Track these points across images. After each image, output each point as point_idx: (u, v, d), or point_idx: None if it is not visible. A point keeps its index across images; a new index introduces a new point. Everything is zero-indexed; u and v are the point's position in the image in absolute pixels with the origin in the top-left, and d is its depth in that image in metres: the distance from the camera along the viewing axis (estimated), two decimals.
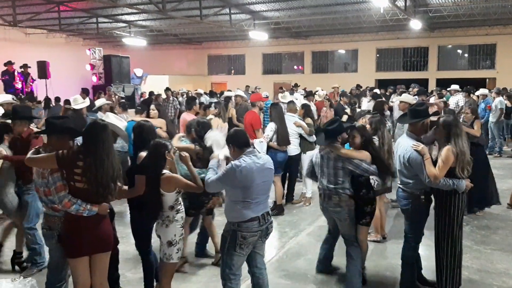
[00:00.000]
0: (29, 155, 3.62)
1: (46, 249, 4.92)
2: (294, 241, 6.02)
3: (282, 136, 6.96)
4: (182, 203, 3.94)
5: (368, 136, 4.62)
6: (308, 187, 7.64)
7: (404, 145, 4.33)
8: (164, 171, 3.80)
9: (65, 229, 3.56)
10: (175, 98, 14.76)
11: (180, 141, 4.98)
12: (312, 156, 4.86)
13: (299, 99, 10.32)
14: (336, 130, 4.37)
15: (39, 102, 14.23)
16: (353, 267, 4.50)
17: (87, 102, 8.02)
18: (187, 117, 7.56)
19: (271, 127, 7.03)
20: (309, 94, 12.01)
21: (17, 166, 4.77)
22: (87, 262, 3.54)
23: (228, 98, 10.69)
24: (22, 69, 15.40)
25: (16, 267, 5.14)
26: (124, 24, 21.41)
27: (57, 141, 3.70)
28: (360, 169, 4.30)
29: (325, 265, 5.03)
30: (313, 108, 10.69)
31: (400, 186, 4.43)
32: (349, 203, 4.39)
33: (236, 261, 3.77)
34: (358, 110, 9.71)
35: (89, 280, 3.56)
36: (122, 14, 19.46)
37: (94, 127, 3.53)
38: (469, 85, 13.90)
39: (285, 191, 7.59)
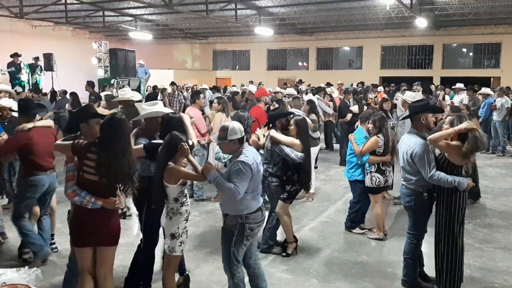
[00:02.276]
0: (58, 141, 3.78)
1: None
2: (297, 235, 6.02)
3: None
4: (187, 196, 3.92)
5: (305, 128, 5.33)
6: (311, 183, 7.66)
7: (407, 142, 4.36)
8: (170, 163, 3.77)
9: (73, 217, 3.65)
10: (180, 93, 14.81)
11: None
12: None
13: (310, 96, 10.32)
14: (272, 116, 5.25)
15: (45, 94, 14.29)
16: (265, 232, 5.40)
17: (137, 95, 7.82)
18: (192, 111, 7.59)
19: None
20: (318, 90, 12.08)
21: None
22: (91, 253, 3.58)
23: (235, 93, 10.65)
24: (33, 61, 15.48)
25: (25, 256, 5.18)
26: (130, 18, 21.45)
27: (87, 129, 3.78)
28: (284, 153, 5.06)
29: (269, 246, 5.48)
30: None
31: (403, 183, 4.47)
32: (273, 181, 5.22)
33: (242, 253, 3.88)
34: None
35: (91, 271, 3.61)
36: (128, 8, 19.49)
37: (113, 121, 3.49)
38: (473, 84, 13.92)
39: None
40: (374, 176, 5.67)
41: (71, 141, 3.56)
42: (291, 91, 11.96)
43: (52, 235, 5.42)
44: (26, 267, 4.33)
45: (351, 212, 6.18)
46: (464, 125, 4.02)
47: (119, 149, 3.42)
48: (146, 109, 4.50)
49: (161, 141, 3.97)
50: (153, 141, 4.18)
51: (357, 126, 6.43)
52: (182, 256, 4.25)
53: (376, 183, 5.68)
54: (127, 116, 3.84)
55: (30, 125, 4.82)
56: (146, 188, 3.87)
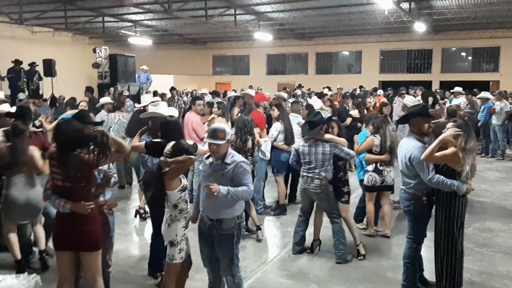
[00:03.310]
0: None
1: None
2: None
3: (291, 135, 7.06)
4: (188, 202, 3.90)
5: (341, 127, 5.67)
6: None
7: (406, 145, 4.37)
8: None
9: (55, 221, 3.71)
10: (180, 98, 14.84)
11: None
12: (297, 146, 5.48)
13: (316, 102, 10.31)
14: (320, 121, 5.18)
15: (45, 100, 14.32)
16: (336, 240, 5.30)
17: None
18: (191, 116, 7.63)
19: (276, 127, 7.09)
20: (320, 96, 12.15)
21: None
22: (68, 256, 3.59)
23: (236, 98, 10.63)
24: (30, 67, 15.47)
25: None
26: (130, 24, 21.52)
27: None
28: (344, 152, 5.20)
29: (302, 247, 5.58)
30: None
31: (402, 187, 4.47)
32: (328, 186, 5.20)
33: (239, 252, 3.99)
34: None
35: (70, 274, 3.64)
36: (128, 14, 19.53)
37: (60, 128, 3.65)
38: (472, 88, 13.95)
39: (288, 191, 7.63)
40: (371, 175, 5.98)
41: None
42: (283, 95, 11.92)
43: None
44: (26, 273, 4.34)
45: (358, 206, 6.58)
46: (448, 133, 4.06)
47: (64, 149, 3.51)
48: (152, 109, 5.07)
49: (159, 140, 4.41)
50: (153, 140, 4.58)
51: (362, 129, 6.82)
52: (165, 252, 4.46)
53: (372, 182, 6.00)
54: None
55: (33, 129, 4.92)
56: (147, 183, 4.13)
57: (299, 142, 5.49)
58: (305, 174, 5.29)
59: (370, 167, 6.01)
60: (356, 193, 6.90)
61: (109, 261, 4.25)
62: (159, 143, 4.33)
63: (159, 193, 3.76)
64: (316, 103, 8.95)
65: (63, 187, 3.51)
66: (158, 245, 4.56)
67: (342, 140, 5.30)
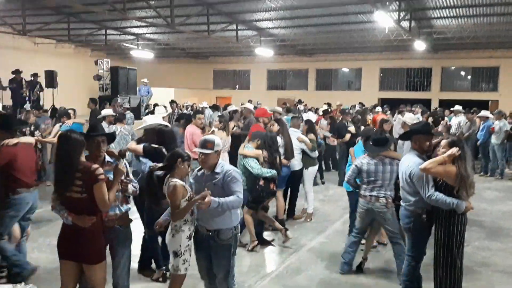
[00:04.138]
0: None
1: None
2: (295, 256, 6.02)
3: (291, 150, 7.06)
4: (193, 212, 3.90)
5: None
6: (309, 203, 7.66)
7: (406, 162, 4.39)
8: (175, 179, 3.84)
9: (61, 228, 3.70)
10: (180, 111, 14.88)
11: (245, 149, 6.03)
12: (359, 163, 5.24)
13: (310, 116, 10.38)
14: (387, 138, 5.22)
15: (45, 110, 14.33)
16: (401, 262, 4.88)
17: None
18: (191, 129, 7.68)
19: None
20: (325, 113, 12.28)
21: None
22: (70, 265, 3.59)
23: (234, 112, 10.70)
24: (32, 78, 15.54)
25: None
26: (132, 37, 21.70)
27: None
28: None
29: (351, 266, 5.42)
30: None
31: (403, 204, 4.48)
32: (392, 204, 5.06)
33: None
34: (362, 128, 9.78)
35: (71, 284, 3.65)
36: (131, 27, 19.73)
37: (60, 138, 3.65)
38: (472, 107, 14.01)
39: (287, 206, 7.61)
40: None
41: None
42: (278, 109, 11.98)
43: None
44: (23, 283, 4.30)
45: (352, 221, 6.41)
46: (451, 151, 4.06)
47: (66, 165, 3.48)
48: (146, 121, 5.50)
49: (156, 146, 4.83)
50: (151, 144, 4.94)
51: (357, 142, 6.73)
52: (160, 249, 4.89)
53: None
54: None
55: (14, 140, 4.68)
56: (143, 187, 4.18)
57: (361, 159, 5.29)
58: (368, 193, 5.12)
59: None
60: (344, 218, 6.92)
61: (119, 279, 4.06)
62: (156, 148, 4.81)
63: (153, 200, 4.04)
64: (310, 118, 8.97)
65: (68, 197, 3.49)
66: (151, 244, 4.95)
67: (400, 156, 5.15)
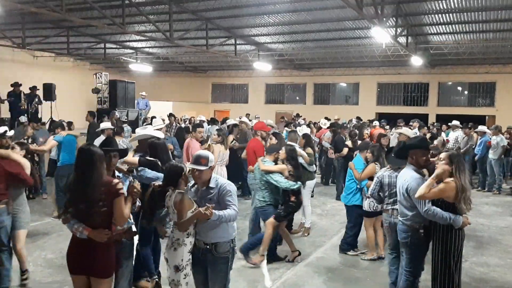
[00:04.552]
0: None
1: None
2: (292, 271, 5.98)
3: None
4: (195, 226, 3.88)
5: None
6: (307, 217, 7.64)
7: (403, 176, 4.40)
8: (181, 190, 3.86)
9: (69, 243, 3.63)
10: (178, 124, 14.90)
11: (264, 163, 6.03)
12: (380, 176, 5.28)
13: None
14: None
15: (43, 123, 14.35)
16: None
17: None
18: (191, 143, 7.71)
19: None
20: (332, 126, 12.49)
21: None
22: (82, 281, 3.54)
23: (235, 126, 10.68)
24: (31, 91, 15.59)
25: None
26: (131, 51, 21.81)
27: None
28: None
29: (395, 285, 5.05)
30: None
31: (400, 219, 4.47)
32: None
33: None
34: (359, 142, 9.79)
35: None
36: (129, 41, 19.85)
37: (80, 152, 3.60)
38: (468, 122, 14.10)
39: None
40: (372, 201, 5.94)
41: None
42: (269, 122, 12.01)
43: (24, 271, 5.20)
44: None
45: (349, 235, 6.57)
46: (438, 171, 4.12)
47: (90, 178, 3.43)
48: (139, 132, 5.72)
49: (152, 159, 4.98)
50: (146, 157, 5.06)
51: (355, 155, 6.89)
52: (152, 259, 4.94)
53: (373, 208, 6.06)
54: None
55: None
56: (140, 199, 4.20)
57: (382, 172, 5.25)
58: (390, 207, 5.05)
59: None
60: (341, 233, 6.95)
61: None
62: (151, 161, 4.97)
63: (149, 214, 4.01)
64: (304, 131, 9.00)
65: (83, 210, 3.44)
66: (143, 253, 4.98)
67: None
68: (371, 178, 6.00)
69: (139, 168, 4.93)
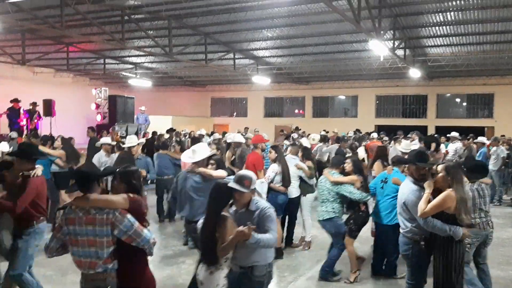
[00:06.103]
0: None
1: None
2: (293, 286, 5.93)
3: (288, 177, 7.04)
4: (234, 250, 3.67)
5: None
6: (307, 231, 7.60)
7: (402, 189, 4.39)
8: (224, 213, 3.62)
9: None
10: (178, 138, 14.90)
11: (332, 175, 6.00)
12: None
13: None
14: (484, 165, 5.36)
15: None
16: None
17: (139, 141, 8.85)
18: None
19: (273, 168, 7.08)
20: (342, 140, 12.60)
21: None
22: None
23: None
24: (31, 107, 15.64)
25: None
26: (130, 66, 21.93)
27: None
28: None
29: None
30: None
31: (401, 231, 4.45)
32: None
33: None
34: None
35: None
36: (129, 56, 19.96)
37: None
38: (468, 133, 14.12)
39: (284, 234, 7.54)
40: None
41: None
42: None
43: None
44: None
45: (395, 257, 5.96)
46: (427, 186, 4.17)
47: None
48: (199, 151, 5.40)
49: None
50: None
51: (391, 170, 6.09)
52: None
53: None
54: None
55: (39, 171, 4.62)
56: None
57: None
58: (478, 220, 5.01)
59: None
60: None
61: None
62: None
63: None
64: (304, 143, 9.02)
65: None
66: None
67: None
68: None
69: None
